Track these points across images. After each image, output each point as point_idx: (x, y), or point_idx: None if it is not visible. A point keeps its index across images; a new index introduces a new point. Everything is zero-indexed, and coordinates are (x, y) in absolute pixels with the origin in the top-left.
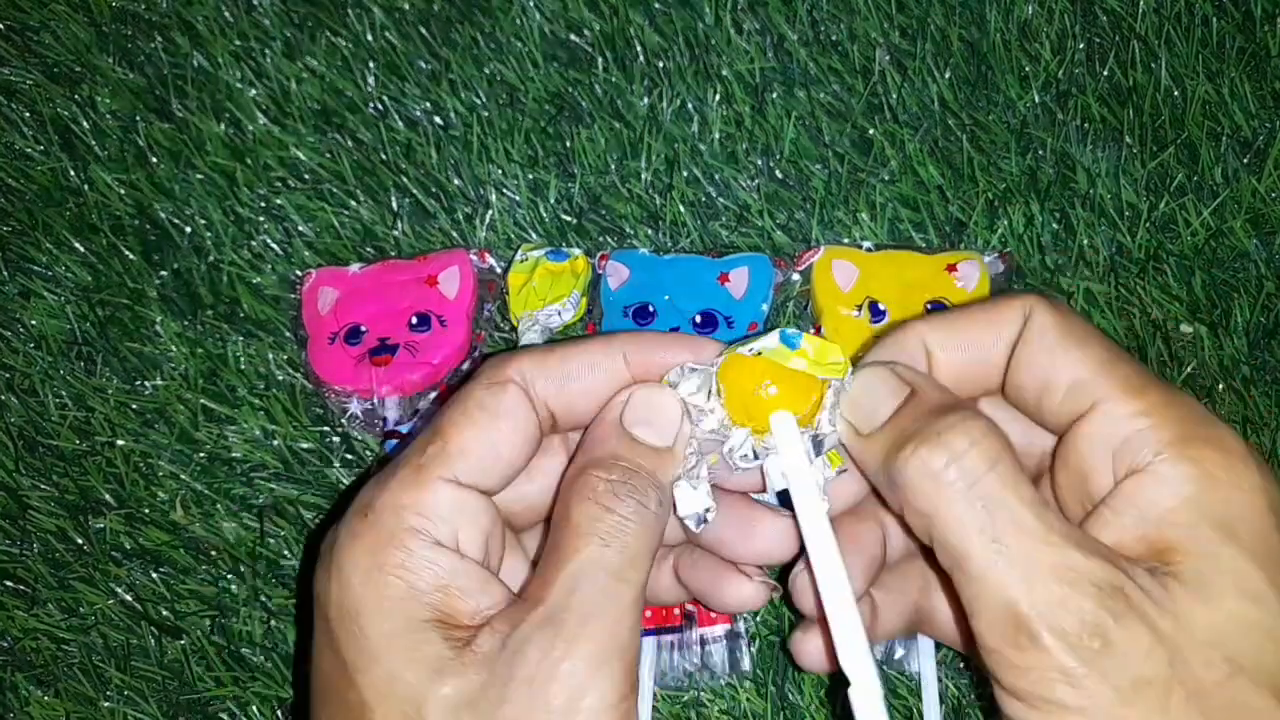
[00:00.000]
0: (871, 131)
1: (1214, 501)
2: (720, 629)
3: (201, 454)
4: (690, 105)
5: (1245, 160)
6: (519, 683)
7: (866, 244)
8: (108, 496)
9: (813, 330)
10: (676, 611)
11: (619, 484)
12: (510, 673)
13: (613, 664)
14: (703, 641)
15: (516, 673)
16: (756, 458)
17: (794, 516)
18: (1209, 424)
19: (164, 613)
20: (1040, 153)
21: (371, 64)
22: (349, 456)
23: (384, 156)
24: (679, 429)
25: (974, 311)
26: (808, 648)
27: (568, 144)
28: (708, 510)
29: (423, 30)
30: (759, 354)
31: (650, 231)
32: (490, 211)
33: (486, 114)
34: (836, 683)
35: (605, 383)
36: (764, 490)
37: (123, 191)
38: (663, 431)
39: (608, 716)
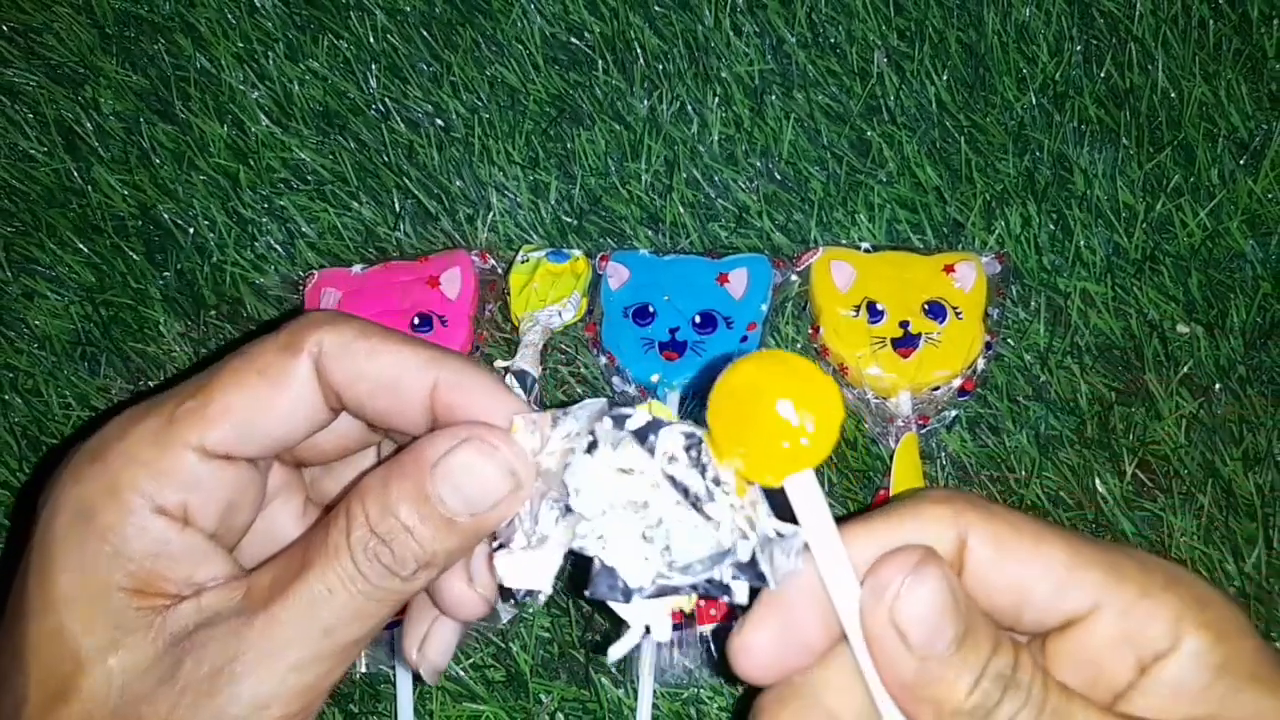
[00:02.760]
0: (869, 133)
1: (1234, 659)
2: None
3: None
4: (690, 107)
5: (1242, 161)
6: (193, 673)
7: (865, 245)
8: None
9: (811, 330)
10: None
11: (379, 545)
12: (188, 659)
13: (288, 704)
14: (703, 639)
15: (195, 663)
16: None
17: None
18: (1186, 581)
19: None
20: (1037, 154)
21: (374, 66)
22: None
23: (386, 158)
24: (492, 507)
25: (896, 525)
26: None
27: (568, 146)
28: (536, 594)
29: (424, 33)
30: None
31: (650, 232)
32: (491, 213)
33: (488, 116)
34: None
35: (404, 397)
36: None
37: (126, 192)
38: (472, 504)
39: None
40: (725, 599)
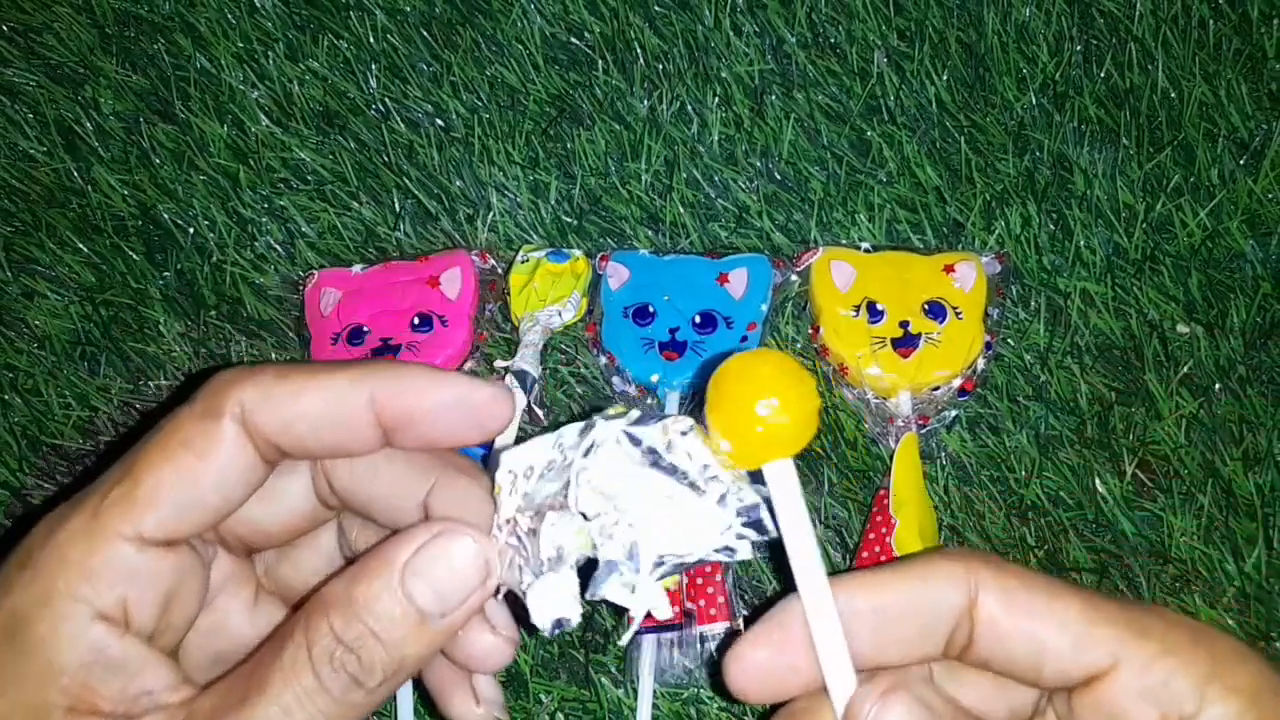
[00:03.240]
0: (869, 133)
1: (1264, 715)
2: (720, 626)
3: None
4: (690, 107)
5: (1242, 161)
6: None
7: (865, 245)
8: None
9: (811, 330)
10: (676, 609)
11: (344, 653)
12: None
13: None
14: (702, 639)
15: None
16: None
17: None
18: (1215, 639)
19: None
20: (1037, 154)
21: (374, 66)
22: None
23: (386, 158)
24: (465, 599)
25: (903, 583)
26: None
27: (568, 146)
28: (566, 620)
29: (424, 33)
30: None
31: (650, 232)
32: (491, 213)
33: (488, 116)
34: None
35: (347, 421)
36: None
37: (126, 192)
38: (443, 598)
39: None
40: (732, 558)
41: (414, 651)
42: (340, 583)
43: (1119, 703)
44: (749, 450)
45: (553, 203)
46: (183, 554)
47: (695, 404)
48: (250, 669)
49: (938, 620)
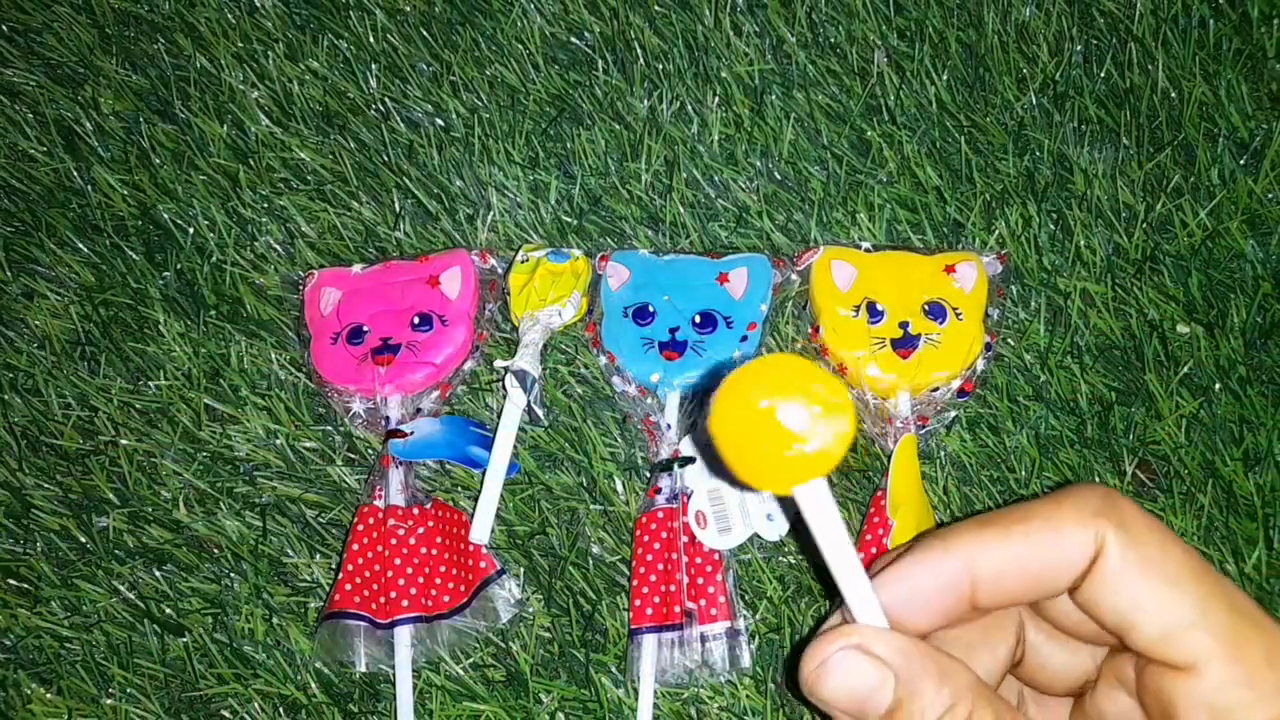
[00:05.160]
0: (870, 133)
1: None
2: (720, 626)
3: (204, 453)
4: (690, 107)
5: (1242, 161)
6: None
7: (865, 244)
8: (111, 495)
9: (811, 330)
10: (677, 609)
11: None
12: None
13: None
14: (703, 639)
15: None
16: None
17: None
18: None
19: (166, 610)
20: (1038, 154)
21: (373, 66)
22: (351, 455)
23: (386, 158)
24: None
25: (1032, 531)
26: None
27: (568, 145)
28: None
29: (424, 32)
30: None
31: (650, 232)
32: (491, 212)
33: (488, 115)
34: None
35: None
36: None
37: (125, 192)
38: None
39: None
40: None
41: None
42: None
43: (1182, 700)
44: (772, 475)
45: (553, 203)
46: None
47: (697, 404)
48: None
49: (1060, 575)
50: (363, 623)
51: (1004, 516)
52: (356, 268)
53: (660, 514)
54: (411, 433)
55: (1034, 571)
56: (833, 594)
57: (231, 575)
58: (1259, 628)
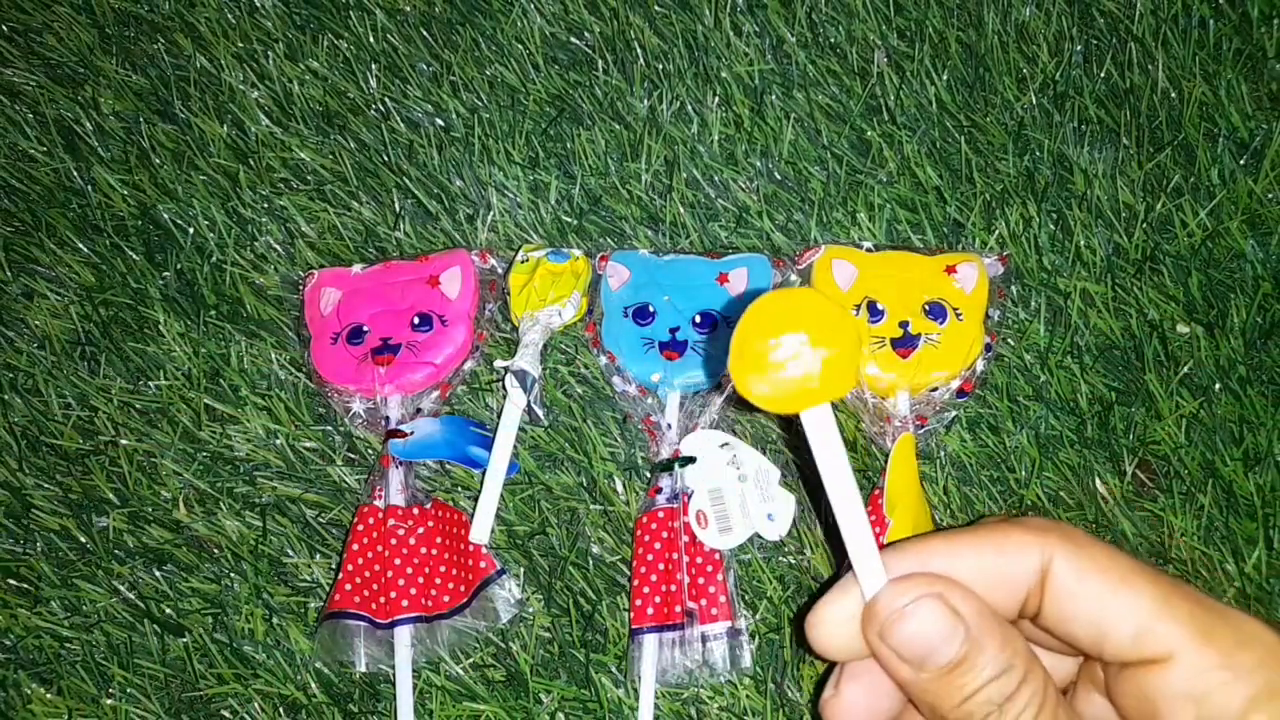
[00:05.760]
0: (870, 133)
1: None
2: (721, 626)
3: (204, 453)
4: (690, 107)
5: (1242, 161)
6: None
7: (866, 244)
8: (111, 495)
9: None
10: (678, 609)
11: None
12: None
13: None
14: (703, 639)
15: None
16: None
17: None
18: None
19: (166, 610)
20: (1038, 154)
21: (373, 66)
22: (351, 455)
23: (386, 158)
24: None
25: (980, 543)
26: (849, 691)
27: (568, 145)
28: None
29: (424, 33)
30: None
31: (650, 232)
32: (491, 212)
33: (488, 115)
34: None
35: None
36: None
37: (125, 192)
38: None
39: None
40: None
41: None
42: None
43: (1162, 695)
44: (782, 398)
45: (553, 202)
46: None
47: (697, 404)
48: None
49: (1011, 589)
50: (363, 623)
51: (954, 532)
52: (356, 268)
53: (661, 514)
54: (411, 433)
55: (981, 586)
56: (841, 555)
57: (231, 575)
58: (1223, 615)
